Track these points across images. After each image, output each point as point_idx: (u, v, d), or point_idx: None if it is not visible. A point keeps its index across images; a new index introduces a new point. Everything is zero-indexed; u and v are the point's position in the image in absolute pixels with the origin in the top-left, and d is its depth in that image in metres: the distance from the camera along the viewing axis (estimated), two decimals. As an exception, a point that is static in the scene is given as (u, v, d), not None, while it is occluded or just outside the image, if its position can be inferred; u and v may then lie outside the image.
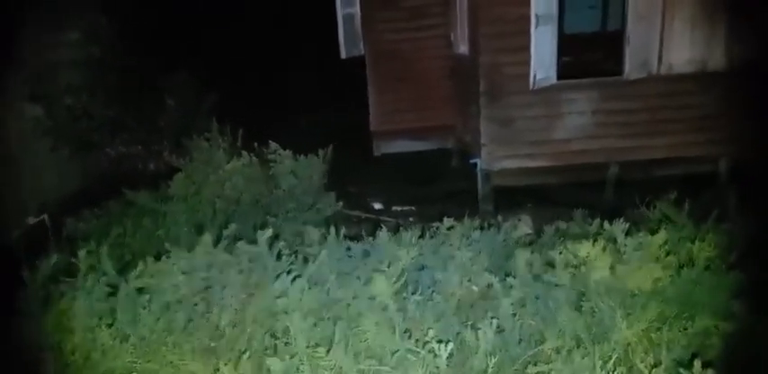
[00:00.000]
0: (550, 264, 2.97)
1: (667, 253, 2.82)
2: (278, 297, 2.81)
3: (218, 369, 2.33)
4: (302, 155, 5.18)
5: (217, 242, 3.13)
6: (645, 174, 5.80)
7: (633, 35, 5.70)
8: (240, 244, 3.05)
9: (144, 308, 2.69)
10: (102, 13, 7.01)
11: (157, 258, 3.05)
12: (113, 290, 2.80)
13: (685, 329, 2.37)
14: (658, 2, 5.56)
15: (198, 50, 8.82)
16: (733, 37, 5.62)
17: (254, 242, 3.10)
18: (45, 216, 5.24)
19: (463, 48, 6.83)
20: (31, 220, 5.08)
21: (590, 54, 7.81)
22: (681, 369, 1.84)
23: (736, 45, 5.64)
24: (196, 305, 2.81)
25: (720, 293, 2.58)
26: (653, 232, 2.92)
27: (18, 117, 5.43)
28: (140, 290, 2.82)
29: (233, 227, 3.33)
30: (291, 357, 2.46)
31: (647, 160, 5.88)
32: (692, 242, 2.96)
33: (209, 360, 2.44)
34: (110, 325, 2.62)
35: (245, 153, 5.15)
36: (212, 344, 2.61)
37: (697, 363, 1.78)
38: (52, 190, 5.65)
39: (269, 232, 3.07)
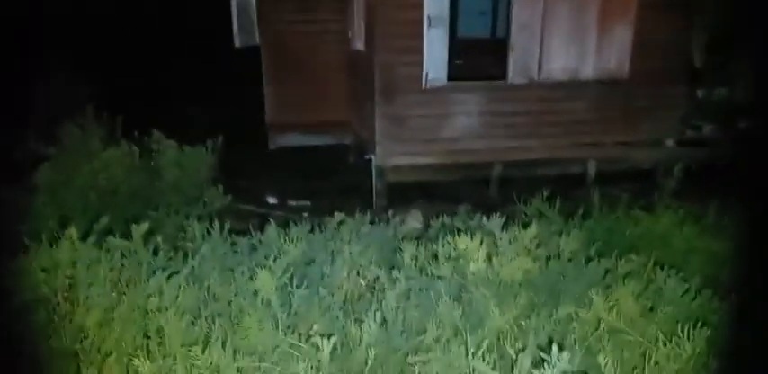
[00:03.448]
0: (435, 257, 3.09)
1: (537, 246, 3.04)
2: (151, 295, 2.64)
3: (80, 373, 2.14)
4: (189, 146, 4.94)
5: (86, 236, 2.89)
6: (526, 173, 6.22)
7: (516, 43, 6.08)
8: (110, 238, 2.84)
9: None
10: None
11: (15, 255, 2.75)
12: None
13: (551, 316, 2.57)
14: (539, 13, 5.98)
15: (79, 34, 8.08)
16: (602, 49, 6.20)
17: (128, 236, 2.90)
18: None
19: (360, 46, 6.87)
20: None
21: (480, 58, 8.23)
22: (541, 353, 1.99)
23: (605, 57, 6.23)
24: (58, 304, 2.57)
25: (580, 283, 2.83)
26: (525, 226, 3.13)
27: None
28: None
29: (105, 220, 3.08)
30: (164, 357, 2.33)
31: (527, 160, 6.30)
32: (560, 236, 3.21)
33: (68, 365, 2.24)
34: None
35: (124, 142, 4.80)
36: (75, 347, 2.41)
37: (554, 347, 1.94)
38: None
39: (144, 226, 2.89)
